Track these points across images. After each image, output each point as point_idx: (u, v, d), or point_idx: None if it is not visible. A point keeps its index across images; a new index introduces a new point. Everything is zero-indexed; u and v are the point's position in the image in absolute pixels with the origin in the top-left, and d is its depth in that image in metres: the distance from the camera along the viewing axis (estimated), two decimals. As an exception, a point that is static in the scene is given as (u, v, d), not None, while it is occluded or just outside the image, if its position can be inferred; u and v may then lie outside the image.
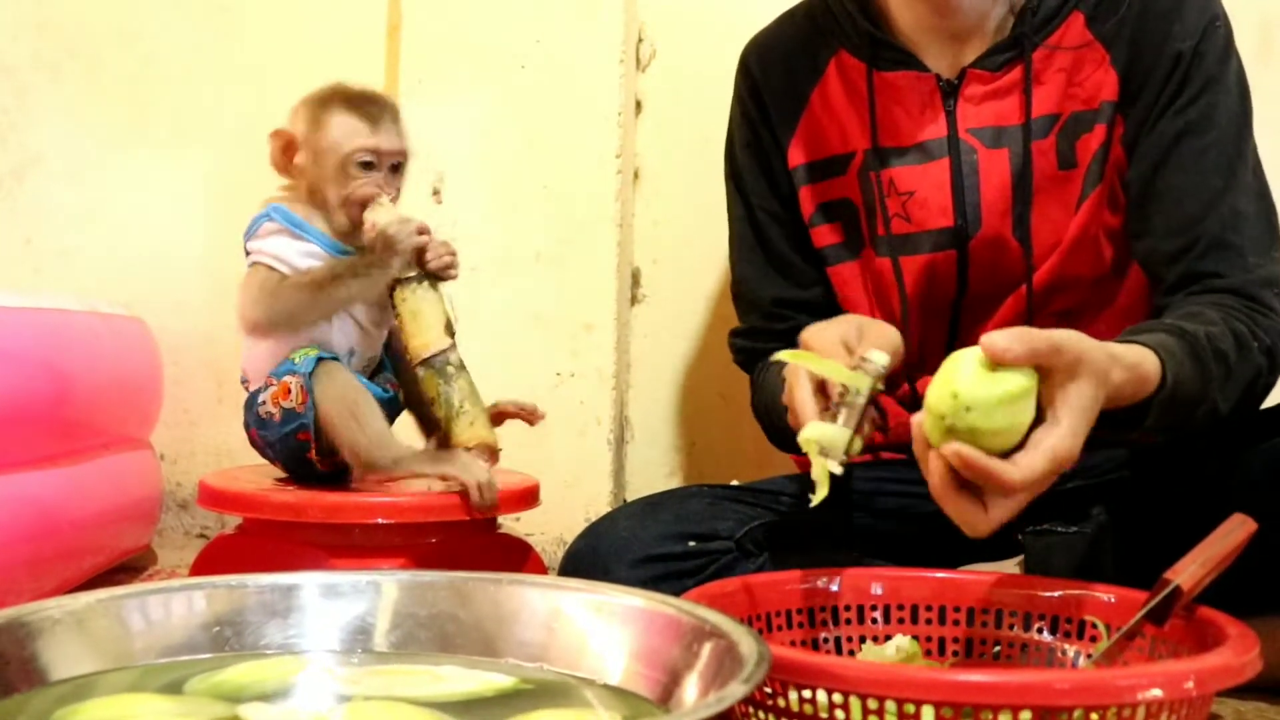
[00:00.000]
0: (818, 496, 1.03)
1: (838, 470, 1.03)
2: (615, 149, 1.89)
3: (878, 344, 1.09)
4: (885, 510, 1.40)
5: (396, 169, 1.47)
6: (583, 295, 1.90)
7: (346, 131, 1.44)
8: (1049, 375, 0.94)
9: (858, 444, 1.04)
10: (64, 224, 2.08)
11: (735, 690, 0.70)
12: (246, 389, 1.47)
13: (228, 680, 0.85)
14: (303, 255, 1.43)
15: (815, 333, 1.14)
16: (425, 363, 1.43)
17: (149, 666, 0.87)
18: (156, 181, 2.06)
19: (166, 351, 1.95)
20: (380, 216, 1.42)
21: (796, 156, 1.42)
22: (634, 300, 1.97)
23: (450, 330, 1.45)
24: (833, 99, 1.40)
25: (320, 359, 1.40)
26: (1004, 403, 0.92)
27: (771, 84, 1.44)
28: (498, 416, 1.51)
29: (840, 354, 1.09)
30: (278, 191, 1.49)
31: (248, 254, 1.45)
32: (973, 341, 1.38)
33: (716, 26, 1.91)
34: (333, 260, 1.43)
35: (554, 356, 1.90)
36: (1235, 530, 0.99)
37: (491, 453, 1.45)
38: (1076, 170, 1.33)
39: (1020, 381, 0.92)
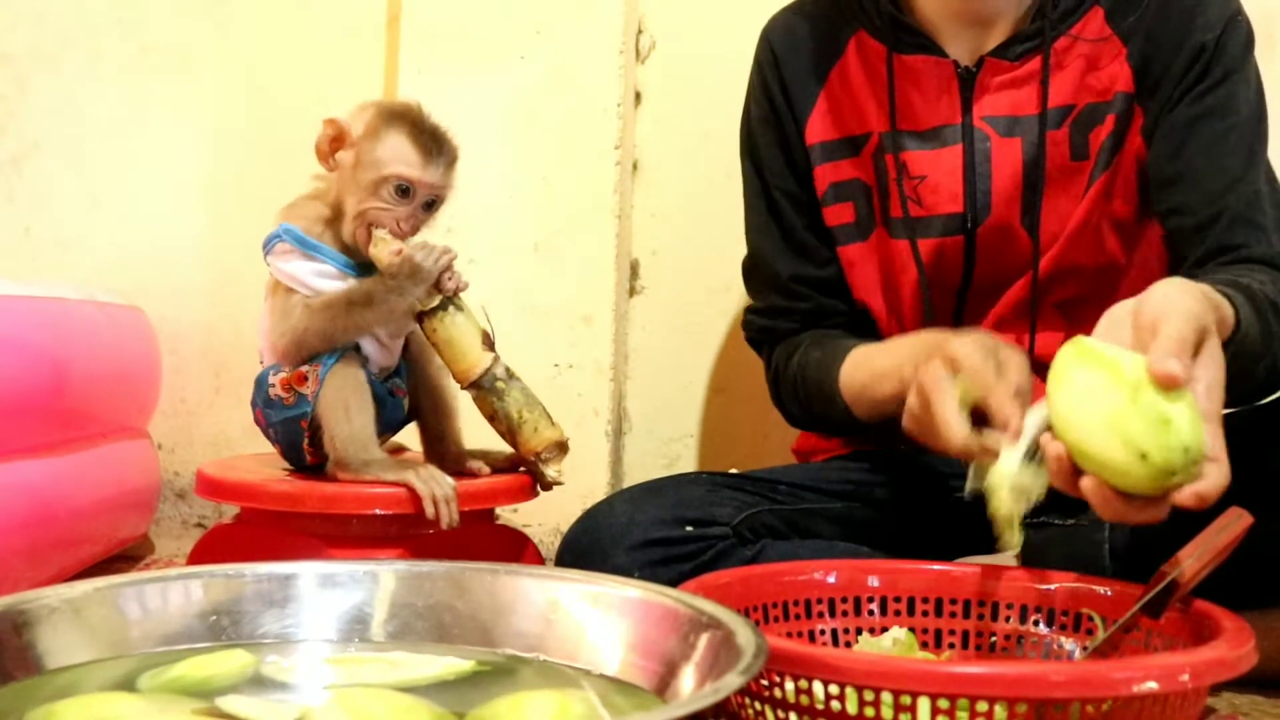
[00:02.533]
0: (1012, 542, 1.01)
1: (1021, 512, 0.99)
2: (614, 140, 1.88)
3: (1019, 367, 1.06)
4: (881, 502, 1.40)
5: (430, 206, 1.43)
6: (581, 287, 1.89)
7: (398, 153, 1.39)
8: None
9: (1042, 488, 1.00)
10: (63, 213, 2.08)
11: (732, 681, 0.70)
12: (262, 364, 1.46)
13: (184, 675, 0.84)
14: (317, 275, 1.41)
15: (964, 352, 1.08)
16: (473, 385, 1.42)
17: (113, 660, 0.86)
18: (155, 171, 2.06)
19: (165, 341, 1.95)
20: (384, 250, 1.38)
21: (814, 134, 1.43)
22: (632, 292, 1.97)
23: (489, 343, 1.43)
24: (851, 79, 1.41)
25: (345, 352, 1.39)
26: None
27: (792, 59, 1.44)
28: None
29: (990, 375, 1.05)
30: (305, 192, 1.46)
31: (268, 265, 1.44)
32: (976, 324, 1.34)
33: (716, 18, 1.91)
34: (349, 288, 1.40)
35: (552, 348, 1.89)
36: (1232, 523, 0.99)
37: (562, 447, 1.44)
38: (1087, 162, 1.34)
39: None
